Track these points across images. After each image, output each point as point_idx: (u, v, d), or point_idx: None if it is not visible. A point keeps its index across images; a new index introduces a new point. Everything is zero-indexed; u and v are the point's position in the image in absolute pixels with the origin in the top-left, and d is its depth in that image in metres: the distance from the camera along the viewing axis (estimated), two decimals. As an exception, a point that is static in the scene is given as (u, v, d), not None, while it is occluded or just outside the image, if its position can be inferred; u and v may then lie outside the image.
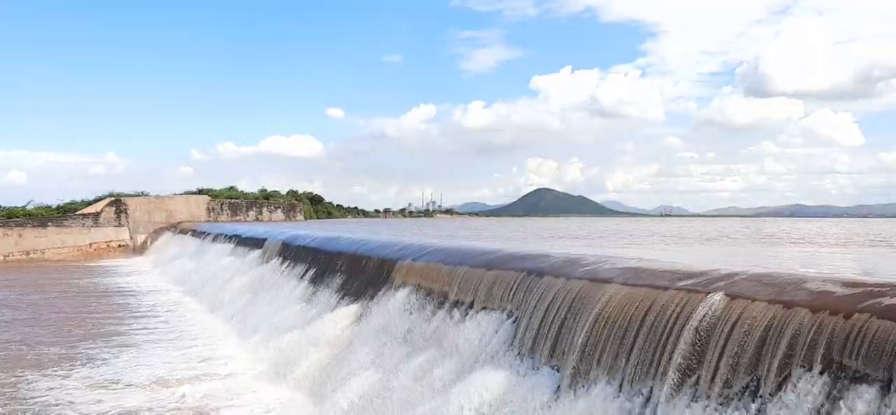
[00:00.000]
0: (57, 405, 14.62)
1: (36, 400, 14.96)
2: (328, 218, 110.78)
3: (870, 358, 5.76)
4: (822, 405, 5.84)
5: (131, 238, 69.39)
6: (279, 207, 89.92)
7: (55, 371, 17.58)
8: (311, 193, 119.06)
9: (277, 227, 54.48)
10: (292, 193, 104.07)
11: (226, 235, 45.57)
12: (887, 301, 6.21)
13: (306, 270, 24.72)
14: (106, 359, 19.13)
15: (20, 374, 17.28)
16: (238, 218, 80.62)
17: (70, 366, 18.14)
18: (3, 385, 16.20)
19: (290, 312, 21.22)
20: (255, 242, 36.74)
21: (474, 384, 10.38)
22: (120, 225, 69.45)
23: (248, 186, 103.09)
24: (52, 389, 15.90)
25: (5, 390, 15.83)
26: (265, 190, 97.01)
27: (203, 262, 41.78)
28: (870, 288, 6.68)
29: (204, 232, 54.02)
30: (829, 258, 20.29)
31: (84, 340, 22.11)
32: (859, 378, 5.74)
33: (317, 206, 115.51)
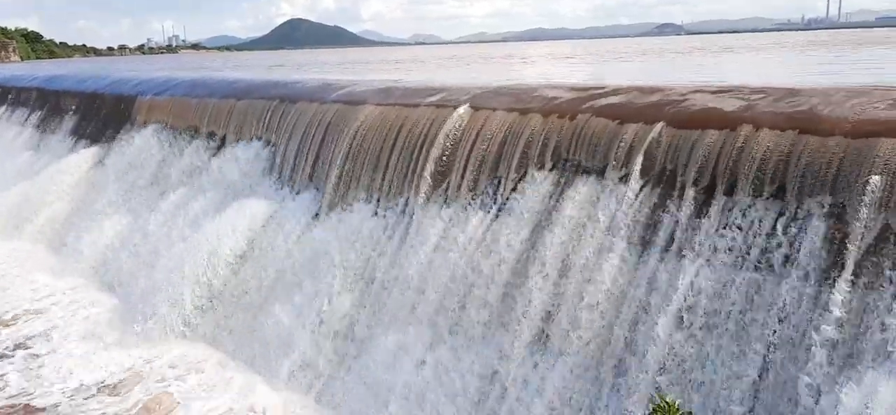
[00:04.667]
0: None
1: None
2: (51, 58, 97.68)
3: (588, 152, 6.58)
4: (552, 195, 6.64)
5: None
6: (-15, 47, 77.39)
7: None
8: (25, 29, 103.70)
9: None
10: (0, 31, 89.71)
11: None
12: (602, 102, 7.05)
13: (28, 115, 21.96)
14: None
15: None
16: (-68, 61, 68.28)
17: None
18: None
19: (15, 162, 18.97)
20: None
21: (233, 215, 10.23)
22: None
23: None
24: None
25: None
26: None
27: None
28: (589, 91, 7.53)
29: None
30: (562, 72, 22.23)
31: None
32: (581, 170, 6.56)
33: (35, 44, 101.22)
